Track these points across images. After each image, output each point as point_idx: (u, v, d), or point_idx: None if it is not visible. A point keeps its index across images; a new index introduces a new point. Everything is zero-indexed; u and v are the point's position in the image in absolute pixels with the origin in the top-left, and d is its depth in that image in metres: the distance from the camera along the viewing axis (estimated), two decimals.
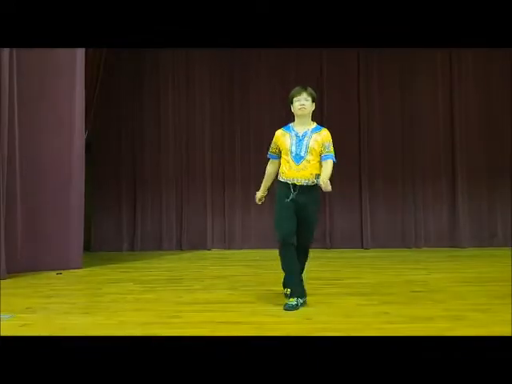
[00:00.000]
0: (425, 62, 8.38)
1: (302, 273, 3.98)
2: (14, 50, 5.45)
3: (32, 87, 5.70)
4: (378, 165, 8.38)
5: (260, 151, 8.42)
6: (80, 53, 5.95)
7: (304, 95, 3.92)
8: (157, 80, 8.43)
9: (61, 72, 5.89)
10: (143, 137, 8.41)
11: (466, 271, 5.61)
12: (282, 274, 5.37)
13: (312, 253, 7.51)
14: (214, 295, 4.21)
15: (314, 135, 3.92)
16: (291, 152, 3.90)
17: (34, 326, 3.14)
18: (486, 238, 8.23)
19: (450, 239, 8.21)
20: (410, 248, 8.11)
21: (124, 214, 8.32)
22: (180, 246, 8.29)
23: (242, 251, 8.02)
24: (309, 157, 3.86)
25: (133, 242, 8.26)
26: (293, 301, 3.67)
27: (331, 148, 3.93)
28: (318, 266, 6.28)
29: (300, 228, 3.87)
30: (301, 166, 3.87)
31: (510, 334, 2.85)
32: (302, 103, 3.90)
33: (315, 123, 4.02)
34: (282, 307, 3.66)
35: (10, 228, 5.38)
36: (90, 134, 7.12)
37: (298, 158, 3.88)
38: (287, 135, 3.98)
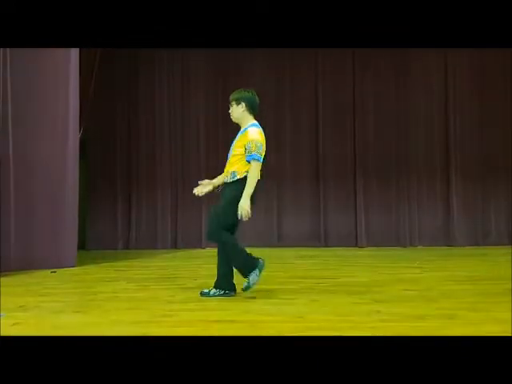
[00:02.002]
0: (419, 61, 8.42)
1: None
2: (8, 50, 5.43)
3: (26, 86, 5.70)
4: (373, 164, 8.41)
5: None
6: (74, 52, 5.94)
7: (230, 103, 4.06)
8: (152, 79, 8.43)
9: (55, 71, 5.89)
10: (138, 135, 8.41)
11: (459, 270, 5.63)
12: (275, 272, 5.40)
13: (307, 251, 7.60)
14: None
15: (239, 136, 4.00)
16: None
17: (26, 324, 3.12)
18: (480, 236, 8.27)
19: (445, 238, 8.25)
20: (404, 247, 8.14)
21: (119, 212, 8.32)
22: (175, 245, 8.30)
23: None
24: (231, 157, 4.00)
25: (128, 241, 8.27)
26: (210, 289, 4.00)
27: (253, 148, 3.86)
28: (312, 264, 6.30)
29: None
30: (227, 164, 4.05)
31: (501, 333, 2.86)
32: (229, 112, 4.08)
33: (249, 122, 4.00)
34: (274, 306, 3.68)
35: (3, 226, 5.37)
36: (84, 133, 7.11)
37: (227, 158, 4.07)
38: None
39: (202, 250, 8.06)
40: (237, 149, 3.96)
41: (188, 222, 8.36)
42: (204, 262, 6.59)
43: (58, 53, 5.80)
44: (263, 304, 3.79)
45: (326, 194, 8.40)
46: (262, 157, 3.92)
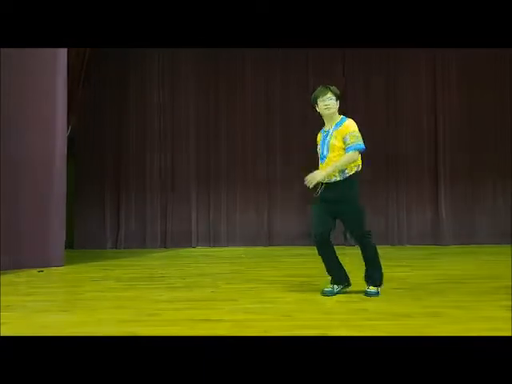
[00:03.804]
0: (409, 64, 8.45)
1: (371, 265, 4.08)
2: None
3: (13, 86, 5.65)
4: (362, 162, 8.41)
5: (245, 150, 8.45)
6: (62, 52, 5.91)
7: (328, 95, 3.97)
8: (142, 77, 8.39)
9: (42, 70, 5.84)
10: (127, 134, 8.36)
11: (447, 269, 5.66)
12: (264, 271, 5.40)
13: (296, 250, 7.61)
14: (196, 293, 4.20)
15: (335, 132, 3.95)
16: (319, 152, 4.09)
17: (12, 324, 3.10)
18: (468, 235, 8.33)
19: (433, 237, 8.29)
20: (392, 246, 8.17)
21: (108, 211, 8.27)
22: (164, 244, 8.26)
23: (227, 249, 8.02)
24: (330, 154, 3.93)
25: (116, 240, 8.22)
26: (329, 287, 4.06)
27: (350, 139, 3.87)
28: (301, 263, 6.30)
29: (343, 224, 4.07)
30: (323, 164, 3.98)
31: (486, 331, 2.89)
32: (327, 103, 3.97)
33: (341, 117, 4.03)
34: (263, 304, 3.68)
35: None
36: (72, 132, 7.06)
37: (322, 158, 4.02)
38: (320, 135, 4.16)
39: (192, 249, 8.04)
40: (339, 143, 3.88)
41: (177, 221, 8.33)
42: (193, 262, 6.58)
43: (46, 52, 5.75)
44: (251, 303, 3.79)
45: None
46: (363, 145, 3.90)
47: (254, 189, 8.31)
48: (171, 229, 8.31)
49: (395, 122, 8.46)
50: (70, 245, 7.69)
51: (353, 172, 3.92)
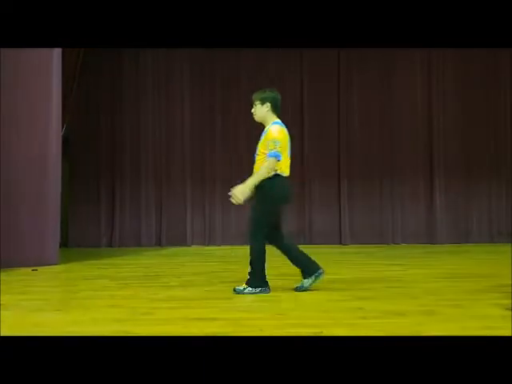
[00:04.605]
0: (404, 62, 8.47)
1: (251, 264, 4.04)
2: None
3: (7, 85, 5.63)
4: (357, 163, 8.45)
5: (239, 150, 8.44)
6: (56, 51, 5.90)
7: (254, 102, 4.09)
8: (136, 77, 8.37)
9: (37, 70, 5.83)
10: (122, 133, 8.35)
11: (441, 267, 5.67)
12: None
13: None
14: (191, 292, 4.19)
15: (263, 137, 4.04)
16: None
17: (5, 323, 3.08)
18: (462, 234, 8.36)
19: (427, 236, 8.32)
20: (387, 244, 8.20)
21: (102, 210, 8.26)
22: (159, 243, 8.25)
23: (222, 247, 8.02)
24: (256, 158, 4.04)
25: (111, 239, 8.21)
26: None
27: (269, 146, 3.93)
28: None
29: None
30: (254, 165, 4.06)
31: (480, 329, 2.89)
32: (252, 111, 4.11)
33: (272, 122, 4.06)
34: (257, 303, 3.68)
35: None
36: (67, 130, 7.04)
37: (253, 161, 4.08)
38: None
39: (187, 248, 8.03)
40: (261, 149, 3.99)
41: (172, 220, 8.32)
42: (188, 260, 6.58)
43: (41, 52, 5.73)
44: (245, 301, 3.79)
45: (310, 192, 8.42)
46: (280, 153, 3.92)
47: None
48: (166, 227, 8.30)
49: (390, 122, 8.48)
50: (64, 243, 7.67)
51: (271, 175, 3.94)
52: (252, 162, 4.09)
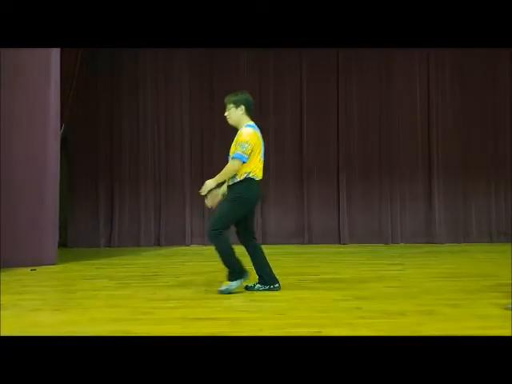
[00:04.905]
0: (403, 62, 8.47)
1: (222, 261, 4.06)
2: None
3: (6, 84, 5.62)
4: (356, 163, 8.45)
5: None
6: (55, 51, 5.89)
7: (227, 106, 4.10)
8: (135, 77, 8.36)
9: (35, 70, 5.82)
10: (121, 133, 8.33)
11: (441, 267, 5.67)
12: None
13: (290, 248, 7.63)
14: (190, 291, 4.19)
15: (235, 138, 4.06)
16: None
17: (4, 323, 3.08)
18: (461, 234, 8.37)
19: (426, 235, 8.32)
20: (386, 244, 8.19)
21: (101, 209, 8.24)
22: (158, 243, 8.24)
23: None
24: (228, 158, 4.06)
25: (110, 238, 8.20)
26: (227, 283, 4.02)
27: (236, 148, 3.97)
28: (295, 261, 6.31)
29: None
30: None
31: (480, 329, 2.90)
32: (226, 115, 4.12)
33: (245, 124, 4.07)
34: (256, 303, 3.68)
35: None
36: (65, 130, 7.03)
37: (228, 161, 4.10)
38: None
39: (186, 248, 8.02)
40: (233, 150, 4.01)
41: (171, 219, 8.31)
42: (187, 260, 6.57)
43: (39, 52, 5.72)
44: (245, 301, 3.79)
45: (309, 192, 8.42)
46: (245, 156, 3.93)
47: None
48: (165, 227, 8.29)
49: (389, 121, 8.48)
50: (63, 243, 7.66)
51: (242, 178, 3.98)
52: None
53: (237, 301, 3.80)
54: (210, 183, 3.98)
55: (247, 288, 4.07)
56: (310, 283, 4.54)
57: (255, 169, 4.01)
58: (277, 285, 4.09)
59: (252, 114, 4.16)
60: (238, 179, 3.97)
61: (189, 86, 8.34)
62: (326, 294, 4.03)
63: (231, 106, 4.08)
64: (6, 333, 2.77)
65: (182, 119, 8.40)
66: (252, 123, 4.11)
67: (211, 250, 7.61)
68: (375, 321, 3.11)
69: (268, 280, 4.08)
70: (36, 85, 5.82)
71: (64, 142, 7.07)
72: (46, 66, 5.85)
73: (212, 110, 8.34)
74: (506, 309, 3.32)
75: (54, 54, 5.88)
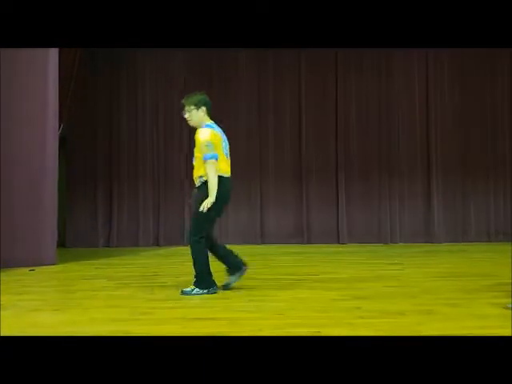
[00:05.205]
0: (402, 61, 8.48)
1: (195, 266, 4.04)
2: None
3: (4, 84, 5.62)
4: (355, 162, 8.46)
5: (236, 149, 8.41)
6: (53, 51, 5.89)
7: (186, 108, 4.06)
8: (134, 76, 8.35)
9: (33, 69, 5.81)
10: (119, 133, 8.33)
11: (439, 266, 5.68)
12: (257, 269, 5.40)
13: (289, 248, 7.63)
14: None
15: (195, 139, 4.02)
16: None
17: (3, 323, 3.07)
18: (460, 233, 8.38)
19: (425, 235, 8.33)
20: (385, 243, 8.20)
21: (100, 210, 8.24)
22: (157, 242, 8.24)
23: None
24: (194, 161, 4.04)
25: (109, 238, 8.19)
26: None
27: (203, 150, 3.91)
28: (294, 261, 6.32)
29: None
30: (193, 171, 4.07)
31: (479, 328, 2.90)
32: (186, 117, 4.09)
33: (204, 124, 4.03)
34: (255, 303, 3.68)
35: None
36: (64, 129, 7.02)
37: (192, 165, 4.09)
38: None
39: (185, 248, 8.00)
40: (196, 153, 4.00)
41: (170, 220, 8.31)
42: (186, 260, 6.51)
43: (37, 51, 5.71)
44: (244, 301, 3.79)
45: (308, 192, 8.42)
46: (215, 154, 3.90)
47: (247, 187, 8.30)
48: (164, 227, 8.29)
49: (388, 121, 8.49)
50: (62, 243, 7.66)
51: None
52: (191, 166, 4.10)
53: (236, 301, 3.79)
54: (210, 201, 3.85)
55: (183, 292, 4.00)
56: (309, 283, 4.54)
57: (221, 166, 3.97)
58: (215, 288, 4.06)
59: (211, 114, 4.12)
60: (206, 179, 3.92)
61: (187, 85, 8.33)
62: (325, 293, 4.03)
63: (192, 107, 4.04)
64: (5, 333, 2.76)
65: (181, 119, 8.37)
66: (211, 123, 4.08)
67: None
68: (374, 320, 3.11)
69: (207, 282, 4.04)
70: (34, 85, 5.83)
71: (63, 141, 7.07)
72: (44, 66, 5.85)
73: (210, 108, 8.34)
74: (505, 308, 3.33)
75: (53, 54, 5.89)
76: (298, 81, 8.41)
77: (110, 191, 8.26)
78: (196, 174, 4.01)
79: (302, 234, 8.34)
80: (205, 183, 3.92)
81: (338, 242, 8.27)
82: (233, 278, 4.12)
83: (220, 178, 3.92)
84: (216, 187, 3.86)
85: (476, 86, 8.45)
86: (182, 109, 4.12)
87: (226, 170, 4.05)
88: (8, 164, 5.64)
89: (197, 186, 4.02)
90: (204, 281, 3.99)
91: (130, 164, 8.31)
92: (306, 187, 8.39)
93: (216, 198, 3.86)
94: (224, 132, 4.18)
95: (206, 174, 3.88)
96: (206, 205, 3.84)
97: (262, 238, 8.34)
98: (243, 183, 8.28)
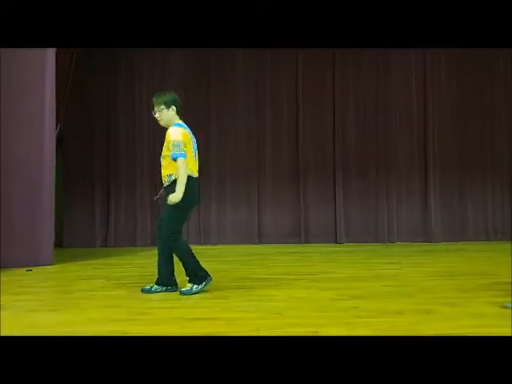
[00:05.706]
0: (399, 60, 8.48)
1: (183, 264, 4.06)
2: None
3: (1, 84, 5.60)
4: (352, 161, 8.46)
5: (235, 149, 8.43)
6: (50, 51, 5.89)
7: (155, 108, 4.03)
8: (132, 75, 8.34)
9: (30, 70, 5.80)
10: (117, 132, 8.32)
11: (437, 265, 5.69)
12: (255, 269, 5.39)
13: (287, 248, 7.63)
14: None
15: (165, 138, 3.99)
16: None
17: (2, 323, 3.07)
18: (458, 232, 8.40)
19: (423, 234, 8.35)
20: (383, 243, 8.21)
21: (97, 209, 8.22)
22: (154, 243, 8.21)
23: (217, 247, 8.01)
24: (162, 160, 4.02)
25: (106, 238, 8.18)
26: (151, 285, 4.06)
27: (172, 149, 3.89)
28: (292, 260, 6.31)
29: None
30: (162, 168, 4.07)
31: (477, 328, 2.90)
32: (157, 116, 4.05)
33: (173, 124, 4.01)
34: (253, 302, 3.68)
35: None
36: (61, 130, 7.01)
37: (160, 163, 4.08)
38: None
39: None
40: (165, 152, 3.98)
41: None
42: None
43: (34, 52, 5.70)
44: (242, 301, 3.79)
45: (306, 191, 8.42)
46: (183, 153, 3.87)
47: (245, 187, 8.30)
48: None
49: (385, 120, 8.49)
50: (59, 243, 7.64)
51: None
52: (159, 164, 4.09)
53: (234, 301, 3.79)
54: (178, 196, 3.83)
55: (182, 293, 3.98)
56: (306, 283, 4.54)
57: (189, 166, 3.95)
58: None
59: (180, 113, 4.10)
60: (175, 177, 3.91)
61: (185, 84, 8.33)
62: (322, 293, 4.03)
63: (162, 107, 4.02)
64: (4, 333, 2.76)
65: None
66: (181, 122, 4.06)
67: (208, 249, 7.70)
68: (372, 320, 3.11)
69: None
70: (32, 85, 5.81)
71: (60, 141, 7.05)
72: (41, 66, 5.84)
73: (208, 108, 8.34)
74: (503, 307, 3.33)
75: (50, 53, 5.88)
76: (296, 79, 8.41)
77: (107, 191, 8.24)
78: (164, 173, 4.00)
79: (299, 234, 8.34)
80: (174, 182, 3.90)
81: (336, 242, 8.28)
82: (156, 287, 4.06)
83: (188, 177, 3.90)
84: (184, 184, 3.83)
85: (474, 85, 8.47)
86: (152, 108, 4.09)
87: (194, 170, 4.04)
88: (5, 164, 5.63)
89: (166, 185, 4.00)
90: (197, 274, 4.00)
91: (128, 164, 8.29)
92: (304, 186, 8.39)
93: (185, 197, 3.84)
94: (193, 132, 4.16)
95: (177, 172, 3.85)
96: (172, 198, 3.81)
97: (260, 237, 8.34)
98: (241, 183, 8.28)
